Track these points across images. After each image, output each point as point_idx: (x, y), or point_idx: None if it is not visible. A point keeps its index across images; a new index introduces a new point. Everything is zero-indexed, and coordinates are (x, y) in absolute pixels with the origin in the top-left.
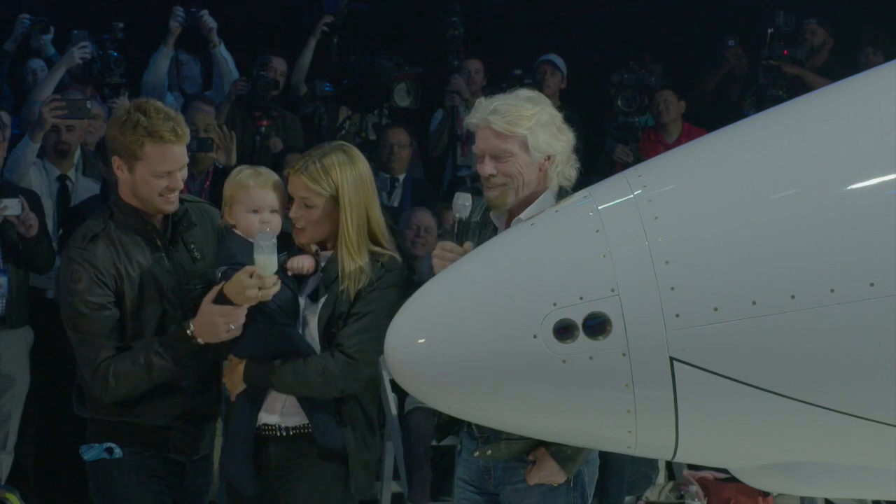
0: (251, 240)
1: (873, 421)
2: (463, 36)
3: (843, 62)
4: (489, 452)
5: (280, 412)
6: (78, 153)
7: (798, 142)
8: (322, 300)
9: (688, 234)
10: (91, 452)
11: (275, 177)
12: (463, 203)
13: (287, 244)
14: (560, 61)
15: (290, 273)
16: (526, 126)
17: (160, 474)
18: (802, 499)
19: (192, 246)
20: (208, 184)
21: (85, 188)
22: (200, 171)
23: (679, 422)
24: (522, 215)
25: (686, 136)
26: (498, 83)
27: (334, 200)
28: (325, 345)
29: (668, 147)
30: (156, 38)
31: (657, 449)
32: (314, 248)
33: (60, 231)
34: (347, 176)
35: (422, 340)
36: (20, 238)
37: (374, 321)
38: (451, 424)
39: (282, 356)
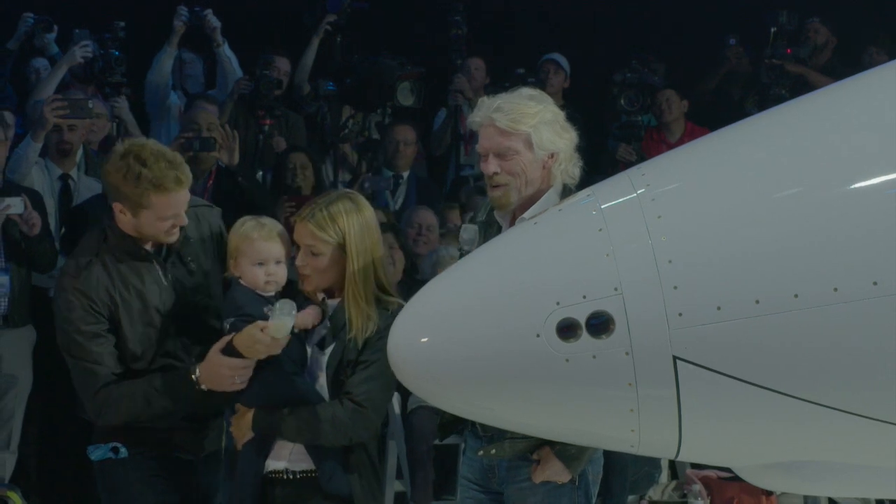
0: (259, 292)
1: (876, 420)
2: (466, 35)
3: (847, 61)
4: (494, 452)
5: (288, 459)
6: (80, 152)
7: (801, 141)
8: (329, 349)
9: (691, 232)
10: (97, 452)
11: (278, 227)
12: (470, 238)
13: (293, 293)
14: (563, 60)
15: (296, 330)
16: (530, 123)
17: (166, 473)
18: (806, 498)
19: (189, 258)
20: (211, 183)
21: (87, 187)
22: (203, 170)
23: (682, 421)
24: (526, 214)
25: (689, 136)
26: (501, 82)
27: (341, 248)
28: (334, 393)
29: (670, 146)
30: (157, 37)
31: (660, 448)
32: (321, 296)
33: (63, 230)
34: (354, 223)
35: (425, 339)
36: (23, 237)
37: (383, 369)
38: (454, 423)
39: (290, 404)
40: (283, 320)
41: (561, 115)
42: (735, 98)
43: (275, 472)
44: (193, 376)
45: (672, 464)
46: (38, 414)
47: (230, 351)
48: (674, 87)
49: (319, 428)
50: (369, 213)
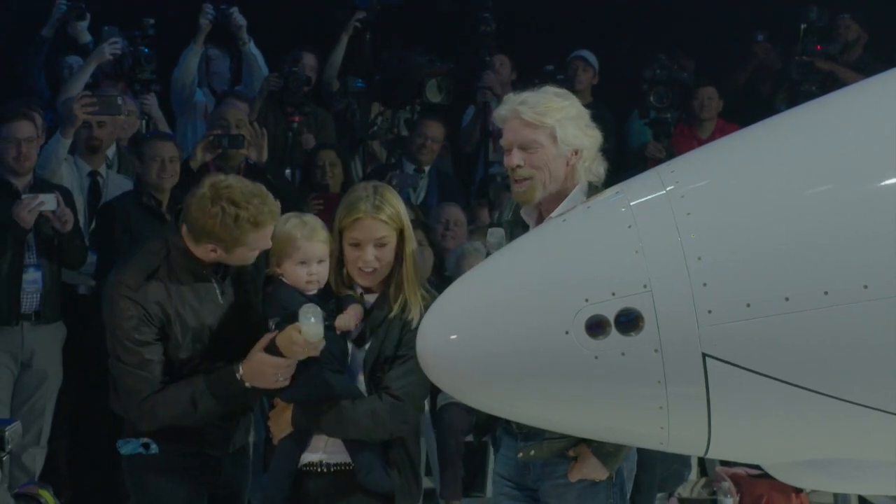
0: (301, 291)
1: None
2: (494, 31)
3: (878, 57)
4: (532, 452)
5: (323, 450)
6: (113, 150)
7: (831, 137)
8: (367, 345)
9: (720, 229)
10: (128, 447)
11: (320, 225)
12: (497, 241)
13: (329, 293)
14: (592, 57)
15: (337, 332)
16: (555, 118)
17: (195, 470)
18: (836, 495)
19: (245, 278)
20: None
21: (116, 184)
22: (231, 167)
23: (711, 418)
24: (554, 213)
25: (720, 133)
26: (530, 79)
27: (400, 234)
28: (371, 389)
29: (701, 143)
30: (186, 34)
31: (689, 445)
32: (359, 291)
33: (92, 226)
34: (402, 207)
35: (454, 336)
36: (55, 233)
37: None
38: (490, 422)
39: (330, 401)
40: (314, 327)
41: (586, 113)
42: (765, 95)
43: (310, 464)
44: (238, 375)
45: (701, 461)
46: (68, 409)
47: (273, 350)
48: (706, 84)
49: (359, 422)
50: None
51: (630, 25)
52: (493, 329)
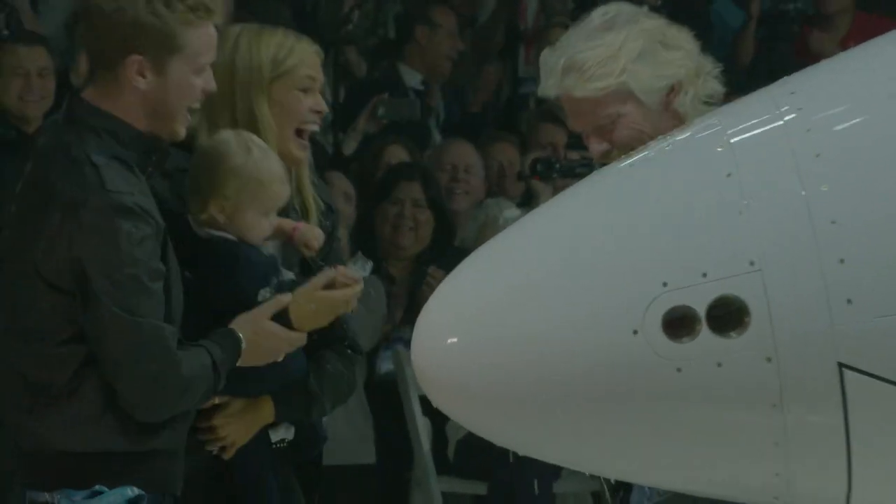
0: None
1: None
2: None
3: None
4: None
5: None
6: None
7: None
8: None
9: (864, 179)
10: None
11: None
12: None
13: None
14: None
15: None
16: (617, 71)
17: None
18: None
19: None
20: None
21: None
22: None
23: (852, 458)
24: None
25: (858, 33)
26: None
27: None
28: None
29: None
30: None
31: (820, 499)
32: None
33: None
34: None
35: (453, 340)
36: None
37: None
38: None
39: (297, 378)
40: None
41: (657, 29)
42: None
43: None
44: (242, 346)
45: None
46: None
47: (279, 320)
48: None
49: (343, 392)
50: None
51: None
52: (515, 329)
